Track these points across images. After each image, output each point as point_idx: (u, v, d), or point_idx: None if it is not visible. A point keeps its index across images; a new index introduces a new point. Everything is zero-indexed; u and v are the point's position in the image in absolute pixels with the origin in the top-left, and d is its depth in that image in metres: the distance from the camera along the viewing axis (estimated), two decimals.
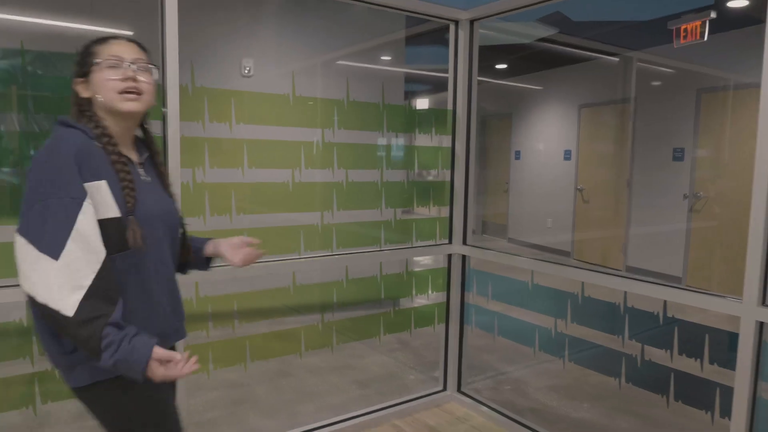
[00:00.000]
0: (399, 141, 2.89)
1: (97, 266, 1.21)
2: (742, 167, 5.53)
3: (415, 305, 3.08)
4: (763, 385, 1.92)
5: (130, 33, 1.35)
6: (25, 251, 1.20)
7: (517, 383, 3.40)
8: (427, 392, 3.10)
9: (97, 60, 1.32)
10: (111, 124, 1.35)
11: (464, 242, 3.08)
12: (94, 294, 1.20)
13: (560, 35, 5.74)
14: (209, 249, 1.62)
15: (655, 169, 6.56)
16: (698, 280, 6.11)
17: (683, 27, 3.56)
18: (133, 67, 1.34)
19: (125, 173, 1.30)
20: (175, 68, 2.10)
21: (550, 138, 8.34)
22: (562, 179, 8.04)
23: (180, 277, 1.57)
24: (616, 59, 6.88)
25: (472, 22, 2.99)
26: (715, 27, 5.40)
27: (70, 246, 1.19)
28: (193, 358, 1.27)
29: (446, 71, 3.03)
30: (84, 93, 1.35)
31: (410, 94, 10.79)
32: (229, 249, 1.59)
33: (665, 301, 2.17)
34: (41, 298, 1.19)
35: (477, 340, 3.47)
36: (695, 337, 2.13)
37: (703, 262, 6.09)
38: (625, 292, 2.31)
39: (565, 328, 2.60)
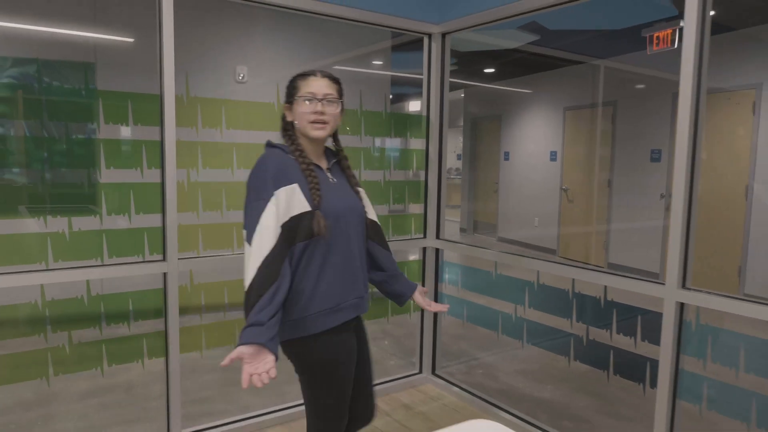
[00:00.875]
0: (376, 144, 3.17)
1: (267, 253, 1.55)
2: (714, 168, 5.81)
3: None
4: (684, 358, 2.20)
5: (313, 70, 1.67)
6: (244, 239, 1.62)
7: (487, 367, 3.68)
8: (404, 374, 3.38)
9: (298, 94, 1.70)
10: (304, 142, 1.72)
11: (437, 237, 3.35)
12: (260, 274, 1.55)
13: (538, 43, 6.02)
14: (415, 297, 1.98)
15: (634, 170, 6.84)
16: None
17: (656, 35, 3.85)
18: (324, 101, 1.68)
19: (312, 177, 1.65)
20: (171, 82, 2.38)
21: (537, 140, 8.62)
22: (548, 179, 8.32)
23: (175, 264, 1.84)
24: (597, 64, 7.16)
25: (443, 35, 3.27)
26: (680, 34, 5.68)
27: (257, 236, 1.56)
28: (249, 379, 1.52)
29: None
30: (288, 117, 1.75)
31: (403, 97, 11.07)
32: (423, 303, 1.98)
33: (605, 287, 2.45)
34: (244, 271, 1.59)
35: (452, 329, 3.74)
36: (630, 318, 2.41)
37: None
38: (573, 279, 2.59)
39: (524, 313, 2.88)
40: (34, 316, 2.31)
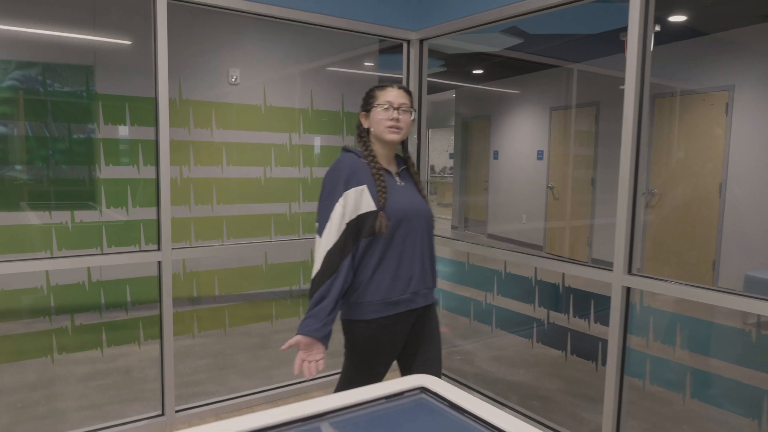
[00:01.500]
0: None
1: (330, 247, 1.78)
2: (689, 167, 6.04)
3: None
4: (631, 337, 2.42)
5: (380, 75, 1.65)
6: (316, 230, 1.85)
7: (465, 354, 3.91)
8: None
9: (376, 103, 1.90)
10: (377, 148, 1.92)
11: None
12: (324, 265, 1.78)
13: (522, 47, 6.24)
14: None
15: (616, 168, 7.06)
16: (652, 270, 6.62)
17: None
18: (399, 110, 1.88)
19: (381, 180, 1.84)
20: (165, 87, 2.59)
21: (524, 139, 8.85)
22: (535, 178, 8.55)
23: (168, 254, 2.06)
24: (574, 68, 7.38)
25: (421, 41, 3.49)
26: (660, 39, 5.91)
27: (326, 231, 1.79)
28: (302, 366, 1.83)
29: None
30: (365, 123, 1.94)
31: None
32: None
33: (563, 273, 2.68)
34: (313, 260, 1.81)
35: None
36: (584, 302, 2.63)
37: (657, 253, 6.61)
38: (536, 268, 2.82)
39: (493, 300, 3.11)
40: (40, 299, 2.53)
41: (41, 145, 2.75)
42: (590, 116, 7.47)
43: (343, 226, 1.79)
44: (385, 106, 1.87)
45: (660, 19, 5.49)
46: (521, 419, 1.23)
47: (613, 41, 5.75)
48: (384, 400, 1.30)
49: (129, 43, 4.40)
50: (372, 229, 1.80)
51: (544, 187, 8.36)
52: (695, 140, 6.01)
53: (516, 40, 6.16)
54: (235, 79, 4.92)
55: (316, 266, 1.79)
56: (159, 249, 2.69)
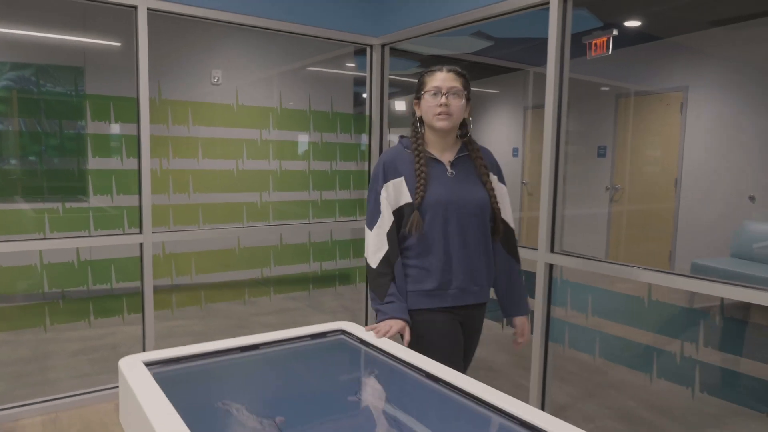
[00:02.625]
0: (325, 138, 3.72)
1: (385, 238, 1.79)
2: (648, 162, 6.42)
3: (339, 267, 3.92)
4: (555, 309, 2.77)
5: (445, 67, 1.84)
6: (366, 225, 1.88)
7: None
8: None
9: (424, 90, 1.82)
10: (430, 136, 1.86)
11: None
12: (387, 257, 1.78)
13: (492, 49, 6.58)
14: (516, 321, 2.01)
15: (583, 164, 7.44)
16: (618, 258, 6.99)
17: (594, 42, 4.44)
18: (448, 95, 1.78)
19: (420, 172, 1.78)
20: (146, 89, 2.92)
21: (501, 137, 9.21)
22: (511, 174, 8.88)
23: (149, 237, 2.38)
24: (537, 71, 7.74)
25: (383, 46, 3.82)
26: (619, 43, 6.27)
27: (377, 223, 1.80)
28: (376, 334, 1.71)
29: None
30: (418, 112, 1.87)
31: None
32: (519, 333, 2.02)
33: None
34: (365, 253, 1.86)
35: None
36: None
37: (620, 244, 6.99)
38: None
39: None
40: (34, 276, 2.85)
41: (34, 140, 3.07)
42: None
43: (392, 217, 1.79)
44: (433, 92, 1.79)
45: (617, 25, 5.86)
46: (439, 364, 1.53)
47: (576, 43, 6.11)
48: (309, 338, 1.64)
49: (119, 44, 4.71)
50: (407, 223, 1.77)
51: (519, 183, 8.72)
52: (654, 138, 6.38)
53: (486, 43, 6.51)
54: (217, 79, 5.26)
55: (370, 258, 1.81)
56: (141, 232, 3.01)
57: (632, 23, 5.72)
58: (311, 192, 3.67)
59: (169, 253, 3.18)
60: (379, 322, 1.75)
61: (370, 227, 1.82)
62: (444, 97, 1.78)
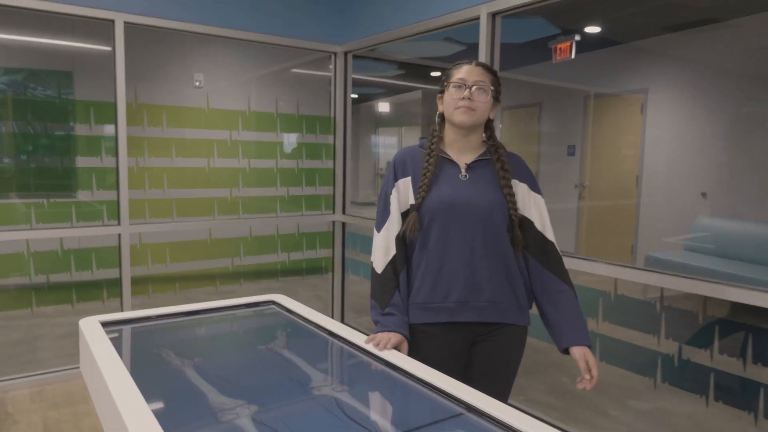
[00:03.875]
0: (291, 138, 4.05)
1: (393, 243, 1.66)
2: (613, 161, 6.75)
3: (306, 257, 4.24)
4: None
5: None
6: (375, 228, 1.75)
7: None
8: None
9: (449, 81, 1.66)
10: (450, 133, 1.69)
11: (343, 212, 4.24)
12: (393, 262, 1.65)
13: (465, 53, 6.89)
14: (573, 353, 1.63)
15: (555, 163, 7.77)
16: (585, 252, 7.32)
17: (558, 47, 4.76)
18: (473, 88, 1.62)
19: (427, 172, 1.64)
20: (123, 94, 3.24)
21: None
22: None
23: (127, 228, 2.70)
24: (516, 71, 8.07)
25: (346, 53, 4.14)
26: (583, 48, 6.58)
27: (386, 226, 1.68)
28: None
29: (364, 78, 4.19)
30: (440, 107, 1.70)
31: (371, 97, 12.00)
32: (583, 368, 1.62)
33: None
34: (371, 256, 1.70)
35: (354, 286, 4.60)
36: None
37: (589, 238, 7.32)
38: None
39: None
40: (22, 262, 3.18)
41: (24, 140, 3.38)
42: (534, 115, 8.16)
43: (400, 218, 1.68)
44: (458, 84, 1.63)
45: (578, 30, 6.17)
46: (352, 329, 1.78)
47: (541, 49, 6.43)
48: (243, 307, 1.96)
49: (108, 49, 5.02)
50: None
51: None
52: (618, 138, 6.72)
53: (458, 48, 6.83)
54: (200, 83, 5.57)
55: (375, 263, 1.68)
56: (119, 224, 3.33)
57: (592, 29, 6.04)
58: (279, 188, 4.00)
59: (145, 243, 3.50)
60: (377, 333, 1.62)
61: (378, 229, 1.70)
62: (468, 90, 1.62)
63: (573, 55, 4.50)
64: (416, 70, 9.11)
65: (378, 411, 1.31)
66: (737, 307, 2.09)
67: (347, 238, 4.26)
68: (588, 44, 6.62)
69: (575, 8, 3.56)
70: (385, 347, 1.55)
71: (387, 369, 1.46)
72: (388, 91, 11.83)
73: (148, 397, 1.17)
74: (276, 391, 1.34)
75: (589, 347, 1.61)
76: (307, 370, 1.47)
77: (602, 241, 7.16)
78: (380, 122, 13.65)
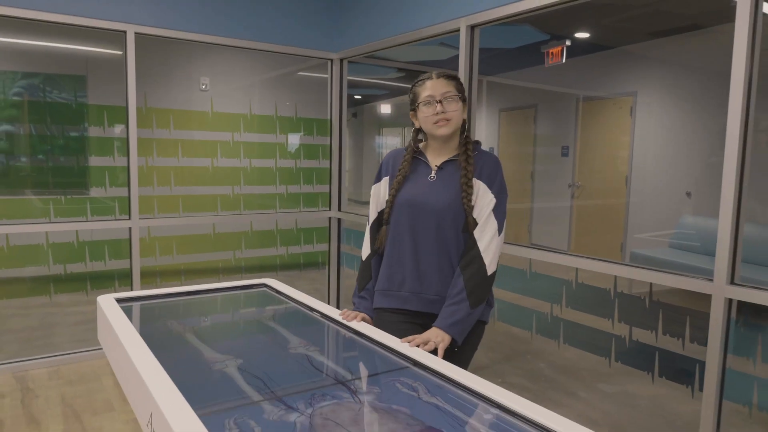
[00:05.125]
0: (289, 140, 4.33)
1: (366, 232, 1.92)
2: (603, 161, 6.98)
3: (304, 251, 4.52)
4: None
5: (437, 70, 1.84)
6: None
7: None
8: None
9: (419, 101, 1.79)
10: (430, 141, 1.85)
11: (339, 209, 4.51)
12: (370, 254, 1.90)
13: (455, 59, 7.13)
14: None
15: (550, 163, 8.01)
16: (577, 249, 7.55)
17: (550, 51, 5.01)
18: (443, 101, 1.75)
19: (400, 173, 1.83)
20: (134, 99, 3.53)
21: (479, 137, 9.77)
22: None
23: (137, 222, 2.99)
24: (510, 74, 8.32)
25: (341, 60, 4.42)
26: (573, 53, 6.83)
27: (371, 217, 1.93)
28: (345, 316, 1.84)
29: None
30: (416, 123, 1.85)
31: (373, 98, 12.29)
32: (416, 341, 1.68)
33: None
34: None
35: (352, 280, 4.88)
36: None
37: (581, 236, 7.56)
38: None
39: None
40: (41, 253, 3.48)
41: (42, 141, 3.68)
42: (530, 117, 8.40)
43: (376, 215, 1.90)
44: (427, 101, 1.76)
45: (567, 36, 6.41)
46: (328, 306, 2.04)
47: (535, 53, 6.68)
48: (239, 288, 2.24)
49: (120, 53, 5.31)
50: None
51: None
52: (609, 139, 6.95)
53: (453, 53, 7.08)
54: (205, 86, 5.87)
55: (363, 251, 1.91)
56: (129, 218, 3.62)
57: (582, 35, 6.28)
58: (278, 186, 4.28)
59: (153, 236, 3.79)
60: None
61: (368, 223, 1.95)
62: (439, 104, 1.74)
63: (564, 59, 4.75)
64: (415, 74, 9.37)
65: (340, 364, 1.59)
66: (686, 294, 2.32)
67: (342, 233, 4.53)
68: (578, 49, 6.86)
69: (555, 17, 3.79)
70: (352, 321, 1.81)
71: (352, 335, 1.73)
72: (391, 93, 12.11)
73: (156, 354, 1.45)
74: (259, 349, 1.61)
75: (454, 339, 1.67)
76: (286, 335, 1.74)
77: (594, 240, 7.38)
78: (383, 123, 13.96)
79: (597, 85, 7.13)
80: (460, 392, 1.31)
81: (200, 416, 1.10)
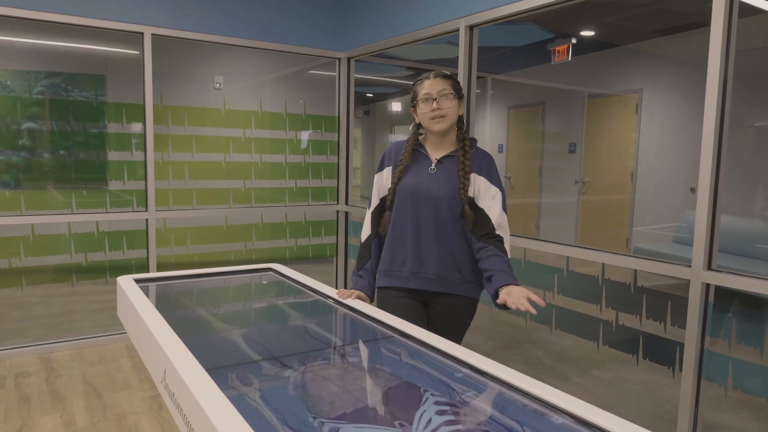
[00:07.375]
0: (298, 136, 4.50)
1: (368, 216, 2.10)
2: (609, 157, 7.07)
3: (312, 243, 4.69)
4: None
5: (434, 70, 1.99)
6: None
7: None
8: None
9: (417, 99, 1.97)
10: (429, 135, 2.02)
11: (346, 203, 4.68)
12: (369, 236, 2.09)
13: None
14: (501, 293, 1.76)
15: (557, 160, 8.10)
16: (585, 243, 7.64)
17: (557, 49, 5.13)
18: (439, 99, 1.91)
19: (401, 163, 2.00)
20: (150, 97, 3.72)
21: (489, 134, 9.90)
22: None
23: (153, 214, 3.19)
24: (516, 72, 8.42)
25: (348, 59, 4.58)
26: (579, 50, 6.91)
27: (370, 206, 2.12)
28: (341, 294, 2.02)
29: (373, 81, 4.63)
30: (416, 119, 2.02)
31: (384, 96, 12.44)
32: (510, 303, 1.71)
33: None
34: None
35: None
36: None
37: (588, 230, 7.66)
38: None
39: None
40: (64, 242, 3.69)
41: (64, 137, 3.89)
42: (538, 114, 8.50)
43: (378, 201, 2.07)
44: (425, 99, 1.93)
45: (575, 34, 6.51)
46: (327, 286, 2.21)
47: (541, 52, 6.78)
48: (247, 272, 2.42)
49: (137, 53, 5.52)
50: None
51: (503, 176, 9.41)
52: (615, 136, 7.04)
53: None
54: (219, 84, 6.07)
55: (362, 234, 2.10)
56: (146, 210, 3.82)
57: (587, 33, 6.38)
58: (287, 180, 4.46)
59: (169, 228, 3.99)
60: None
61: (368, 208, 2.13)
62: (435, 101, 1.90)
63: (570, 57, 4.87)
64: (423, 72, 9.51)
65: (333, 333, 1.75)
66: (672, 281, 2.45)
67: (350, 226, 4.70)
68: (584, 47, 6.95)
69: (559, 15, 3.91)
70: (347, 298, 1.99)
71: (346, 310, 1.90)
72: (402, 91, 12.27)
73: (169, 322, 1.62)
74: (262, 320, 1.78)
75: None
76: (287, 311, 1.91)
77: (600, 234, 7.48)
78: (395, 121, 14.10)
79: (603, 83, 7.22)
80: (437, 356, 1.47)
81: (206, 371, 1.27)
